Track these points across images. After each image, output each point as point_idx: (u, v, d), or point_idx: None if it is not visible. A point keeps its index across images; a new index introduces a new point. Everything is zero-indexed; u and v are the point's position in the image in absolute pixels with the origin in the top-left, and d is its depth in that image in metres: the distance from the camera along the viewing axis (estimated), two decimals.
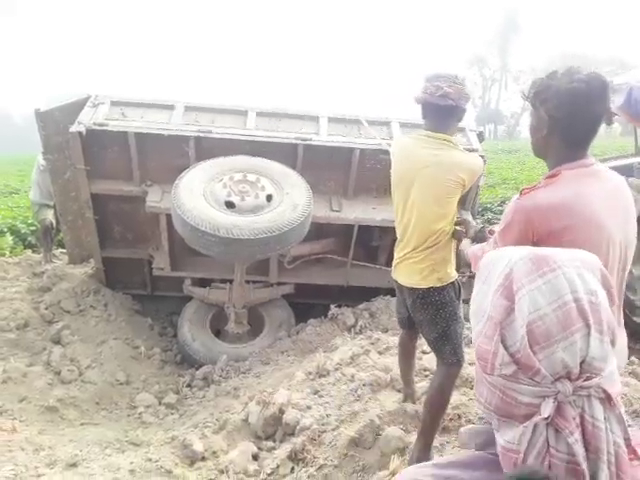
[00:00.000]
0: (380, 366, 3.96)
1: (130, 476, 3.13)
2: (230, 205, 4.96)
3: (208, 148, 5.50)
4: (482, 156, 5.67)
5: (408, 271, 2.89)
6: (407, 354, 3.38)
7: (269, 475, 3.19)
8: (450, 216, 2.82)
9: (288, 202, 5.04)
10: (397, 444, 3.01)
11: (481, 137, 5.89)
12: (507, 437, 0.82)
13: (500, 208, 8.82)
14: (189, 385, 4.96)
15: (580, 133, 1.80)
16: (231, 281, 5.58)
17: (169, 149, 5.52)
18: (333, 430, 3.31)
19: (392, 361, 3.99)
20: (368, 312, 5.46)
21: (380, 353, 4.32)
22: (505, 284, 0.82)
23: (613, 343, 0.80)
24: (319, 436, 3.29)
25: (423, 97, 2.76)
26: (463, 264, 2.56)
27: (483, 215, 8.29)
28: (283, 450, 3.31)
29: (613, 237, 1.75)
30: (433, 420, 2.83)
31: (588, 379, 0.77)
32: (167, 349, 5.70)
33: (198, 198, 4.95)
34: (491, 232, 2.47)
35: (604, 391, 0.77)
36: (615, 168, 5.82)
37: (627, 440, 0.78)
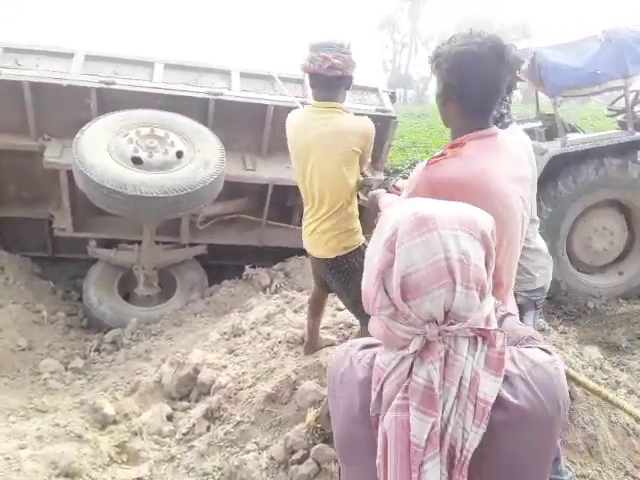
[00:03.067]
0: (296, 324, 3.98)
1: (37, 442, 2.98)
2: (137, 161, 4.72)
3: (112, 101, 5.18)
4: (394, 117, 5.79)
5: (314, 242, 2.94)
6: (317, 311, 3.40)
7: (185, 435, 3.16)
8: (350, 184, 2.82)
9: (200, 159, 4.87)
10: (313, 397, 3.05)
11: (393, 98, 5.96)
12: (383, 357, 0.97)
13: (410, 170, 9.03)
14: (97, 349, 4.78)
15: (476, 99, 1.71)
16: (139, 242, 5.36)
17: (68, 101, 5.15)
18: (249, 387, 3.31)
19: None
20: (283, 272, 5.47)
21: (295, 312, 4.34)
22: (391, 238, 0.92)
23: (482, 296, 0.92)
24: (235, 394, 3.28)
25: (310, 67, 2.72)
26: (372, 214, 2.57)
27: (394, 177, 8.49)
28: (199, 409, 3.28)
29: (516, 212, 1.74)
30: None
31: (452, 324, 0.89)
32: (72, 313, 5.42)
33: (102, 153, 4.66)
34: (395, 187, 2.54)
35: (474, 330, 0.90)
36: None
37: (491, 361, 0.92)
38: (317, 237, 2.90)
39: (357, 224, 2.94)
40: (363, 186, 2.86)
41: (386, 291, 0.92)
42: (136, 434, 3.20)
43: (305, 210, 2.97)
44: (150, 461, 3.01)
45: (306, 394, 3.07)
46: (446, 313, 0.90)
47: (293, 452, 2.81)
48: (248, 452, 2.90)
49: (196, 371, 3.52)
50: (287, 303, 4.49)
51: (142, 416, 3.32)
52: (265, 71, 5.79)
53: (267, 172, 5.53)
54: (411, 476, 0.88)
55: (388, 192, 2.66)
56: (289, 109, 5.44)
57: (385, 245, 0.93)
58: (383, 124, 5.64)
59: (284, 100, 5.50)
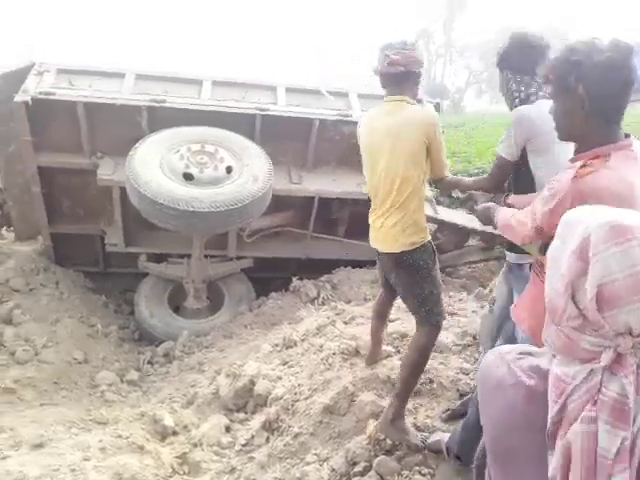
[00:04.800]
0: (347, 335, 3.97)
1: (101, 454, 3.05)
2: (188, 177, 4.83)
3: (162, 119, 5.31)
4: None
5: (382, 237, 2.94)
6: (381, 314, 3.39)
7: (244, 446, 3.18)
8: (418, 176, 2.83)
9: (248, 174, 4.94)
10: (372, 409, 3.04)
11: (437, 108, 5.94)
12: (564, 369, 0.92)
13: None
14: (150, 362, 4.86)
15: (621, 107, 1.70)
16: (188, 256, 5.46)
17: (120, 120, 5.29)
18: (306, 399, 3.31)
19: (359, 330, 4.01)
20: (330, 284, 5.47)
21: (346, 323, 4.34)
22: (582, 246, 0.89)
23: None
24: (292, 405, 3.29)
25: (377, 68, 2.87)
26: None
27: (437, 188, 8.43)
28: (257, 421, 3.30)
29: None
30: (410, 381, 2.88)
31: None
32: (124, 327, 5.53)
33: (155, 170, 4.79)
34: (507, 203, 2.42)
35: None
36: None
37: None
38: (385, 231, 2.90)
39: (424, 220, 2.94)
40: (468, 200, 2.92)
41: (574, 301, 0.90)
42: (196, 445, 3.24)
43: (372, 208, 3.00)
44: (211, 472, 3.04)
45: (365, 405, 3.07)
46: None
47: (354, 464, 2.80)
48: (308, 464, 2.90)
49: (252, 382, 3.55)
50: (337, 315, 4.49)
51: (201, 427, 3.37)
52: (311, 85, 5.86)
53: (312, 185, 5.57)
54: None
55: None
56: (335, 122, 5.56)
57: (575, 254, 0.89)
58: None
59: (330, 114, 5.55)
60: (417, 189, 2.85)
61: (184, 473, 3.09)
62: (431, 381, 3.30)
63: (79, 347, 4.76)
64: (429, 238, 2.94)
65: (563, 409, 0.91)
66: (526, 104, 2.60)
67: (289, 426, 3.16)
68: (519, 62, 2.63)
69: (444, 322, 4.01)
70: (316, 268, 5.81)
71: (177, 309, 5.57)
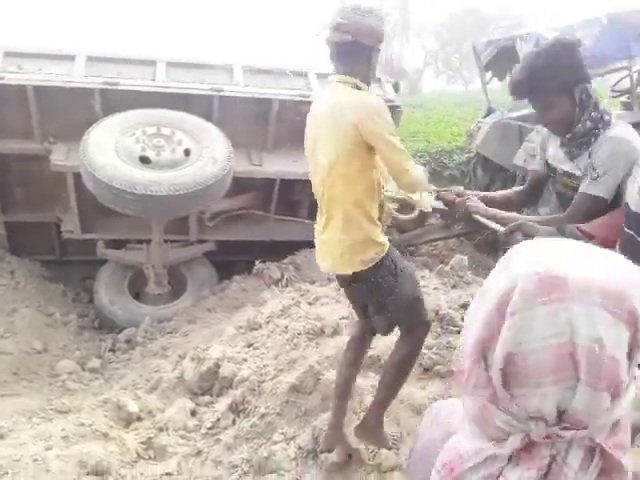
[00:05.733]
0: (312, 315, 3.98)
1: (63, 442, 2.99)
2: (145, 160, 4.73)
3: (115, 101, 5.16)
4: (398, 106, 5.80)
5: (325, 251, 2.47)
6: (355, 357, 2.72)
7: (210, 429, 3.17)
8: (367, 177, 2.34)
9: (207, 156, 4.87)
10: None
11: (396, 87, 5.97)
12: (465, 446, 0.76)
13: (417, 160, 9.04)
14: (112, 349, 4.78)
15: None
16: (148, 241, 5.36)
17: (72, 103, 5.12)
18: (272, 379, 3.32)
19: (324, 310, 4.04)
20: (293, 265, 5.47)
21: (310, 303, 4.35)
22: (503, 299, 0.69)
23: (615, 397, 0.67)
24: (258, 386, 3.29)
25: (324, 34, 2.33)
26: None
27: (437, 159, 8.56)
28: (223, 403, 3.29)
29: None
30: (395, 389, 2.58)
31: (567, 429, 0.67)
32: (83, 315, 5.41)
33: (110, 154, 4.67)
34: (584, 231, 2.04)
35: (594, 442, 0.68)
36: (524, 117, 6.07)
37: None
38: (330, 247, 2.42)
39: (377, 232, 2.41)
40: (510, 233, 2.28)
41: (486, 366, 0.71)
42: (161, 430, 3.21)
43: (319, 210, 2.52)
44: (178, 456, 3.02)
45: (330, 384, 3.08)
46: (561, 413, 0.68)
47: (320, 440, 2.82)
48: (275, 443, 2.91)
49: (217, 365, 3.53)
50: (301, 296, 4.50)
51: (166, 412, 3.33)
52: (269, 65, 5.78)
53: (273, 166, 5.52)
54: None
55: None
56: (294, 102, 5.51)
57: (495, 305, 0.70)
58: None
59: (289, 94, 5.50)
60: (363, 194, 2.33)
61: (150, 458, 3.06)
62: None
63: (38, 337, 4.64)
64: (386, 250, 2.41)
65: None
66: (601, 125, 2.09)
67: (255, 407, 3.16)
68: (583, 67, 2.11)
69: None
70: (279, 250, 5.79)
71: (138, 295, 5.48)
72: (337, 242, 2.38)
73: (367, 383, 3.14)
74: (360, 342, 2.73)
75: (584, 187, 2.13)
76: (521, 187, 2.72)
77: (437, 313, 3.71)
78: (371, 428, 2.58)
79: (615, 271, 0.69)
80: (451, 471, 0.74)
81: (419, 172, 2.38)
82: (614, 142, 2.05)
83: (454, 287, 4.69)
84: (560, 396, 0.66)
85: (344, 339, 3.55)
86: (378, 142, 2.26)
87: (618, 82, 6.61)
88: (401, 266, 2.48)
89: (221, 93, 5.38)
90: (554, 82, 2.07)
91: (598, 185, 2.07)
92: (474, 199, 2.49)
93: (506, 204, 2.55)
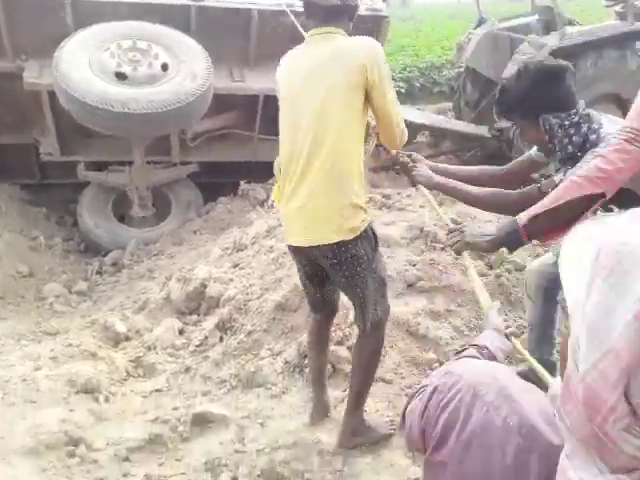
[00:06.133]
0: None
1: (52, 362, 3.02)
2: (121, 76, 4.54)
3: (88, 14, 4.88)
4: (386, 17, 5.54)
5: (303, 223, 2.18)
6: (321, 344, 2.58)
7: (198, 346, 3.21)
8: (358, 130, 2.18)
9: (186, 71, 4.67)
10: None
11: None
12: (584, 476, 0.65)
13: (401, 75, 8.77)
14: (99, 272, 4.77)
15: None
16: (130, 163, 5.23)
17: (43, 16, 4.85)
18: (258, 298, 3.34)
19: None
20: None
21: None
22: None
23: None
24: (245, 305, 3.32)
25: None
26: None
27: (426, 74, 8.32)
28: (210, 322, 3.33)
29: None
30: (365, 387, 2.45)
31: None
32: (68, 238, 5.38)
33: (84, 70, 4.46)
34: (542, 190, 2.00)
35: None
36: (515, 27, 5.86)
37: None
38: (310, 214, 2.14)
39: (365, 195, 2.24)
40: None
41: (627, 395, 0.59)
42: (150, 349, 3.25)
43: (285, 183, 2.24)
44: (166, 373, 3.08)
45: None
46: None
47: (306, 355, 2.87)
48: (262, 358, 2.97)
49: (203, 285, 3.54)
50: None
51: (154, 331, 3.37)
52: None
53: (256, 83, 5.31)
54: None
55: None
56: (275, 14, 5.23)
57: (636, 325, 0.56)
58: (375, 25, 5.41)
59: (269, 4, 5.22)
60: (357, 148, 2.17)
61: (139, 376, 3.12)
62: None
63: (22, 261, 4.62)
64: (370, 219, 2.26)
65: None
66: (587, 147, 1.98)
67: (242, 325, 3.19)
68: (554, 97, 2.01)
69: (393, 217, 4.05)
70: (265, 171, 5.68)
71: (122, 218, 5.42)
72: (324, 204, 2.12)
73: None
74: (322, 329, 2.57)
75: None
76: (495, 167, 2.49)
77: (422, 230, 3.70)
78: (352, 433, 2.44)
79: None
80: None
81: (406, 132, 2.29)
82: None
83: (440, 204, 4.66)
84: None
85: None
86: (382, 87, 2.12)
87: None
88: (377, 240, 2.33)
89: (199, 3, 5.09)
90: (520, 107, 2.05)
91: None
92: (422, 169, 2.32)
93: (469, 182, 2.32)
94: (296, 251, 2.31)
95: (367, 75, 2.09)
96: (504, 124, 5.69)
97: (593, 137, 1.99)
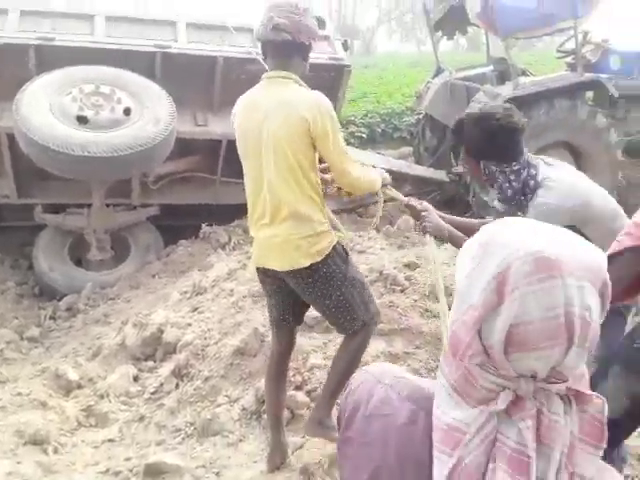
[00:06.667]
0: None
1: (1, 413, 2.90)
2: (83, 120, 4.53)
3: (51, 58, 4.90)
4: (347, 65, 5.71)
5: (276, 250, 2.36)
6: (279, 381, 2.59)
7: (153, 394, 3.13)
8: (310, 171, 2.35)
9: (149, 116, 4.69)
10: None
11: (345, 46, 5.85)
12: (455, 415, 0.79)
13: (363, 121, 8.97)
14: (52, 317, 4.64)
15: None
16: (88, 205, 5.17)
17: (5, 60, 4.84)
18: (216, 343, 3.29)
19: None
20: (241, 228, 5.39)
21: None
22: (499, 279, 0.75)
23: (591, 351, 0.77)
24: (202, 350, 3.26)
25: (259, 32, 2.34)
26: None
27: (347, 128, 8.41)
28: (166, 368, 3.26)
29: None
30: (342, 385, 2.43)
31: (553, 382, 0.75)
32: (22, 282, 5.24)
33: (45, 114, 4.45)
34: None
35: (570, 389, 0.76)
36: (471, 77, 6.10)
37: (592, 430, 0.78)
38: (281, 243, 2.33)
39: (326, 222, 2.43)
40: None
41: (481, 338, 0.77)
42: (102, 397, 3.16)
43: (254, 216, 2.42)
44: (119, 422, 2.98)
45: None
46: (549, 371, 0.76)
47: (264, 401, 2.82)
48: (219, 405, 2.91)
49: (160, 331, 3.47)
50: (248, 258, 4.43)
51: (107, 379, 3.27)
52: (214, 21, 5.57)
53: (219, 127, 5.36)
54: None
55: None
56: (241, 60, 5.34)
57: (491, 286, 0.75)
58: (337, 73, 5.57)
59: (235, 51, 5.33)
60: (314, 188, 2.36)
61: (91, 425, 3.01)
62: None
63: None
64: (334, 236, 2.44)
65: (458, 464, 0.76)
66: (527, 191, 2.15)
67: (199, 371, 3.13)
68: (501, 151, 2.15)
69: (353, 259, 4.08)
70: (227, 213, 5.69)
71: (79, 262, 5.31)
72: (289, 238, 2.32)
73: (310, 343, 3.15)
74: (281, 360, 2.61)
75: None
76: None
77: (381, 273, 3.73)
78: (318, 422, 2.50)
79: (584, 246, 0.79)
80: (455, 445, 0.77)
81: (365, 175, 2.43)
82: (537, 212, 2.08)
83: (400, 247, 4.74)
84: (555, 358, 0.74)
85: None
86: (326, 140, 2.27)
87: (564, 43, 6.67)
88: (348, 251, 2.54)
89: (164, 50, 5.16)
90: (467, 146, 2.23)
91: None
92: (432, 217, 2.37)
93: (471, 233, 2.43)
94: (267, 273, 2.46)
95: (310, 128, 2.24)
96: (461, 169, 5.87)
97: (532, 183, 2.14)
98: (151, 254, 5.32)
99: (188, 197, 5.69)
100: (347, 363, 2.48)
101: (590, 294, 0.75)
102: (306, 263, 2.33)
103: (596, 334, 0.76)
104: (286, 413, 2.73)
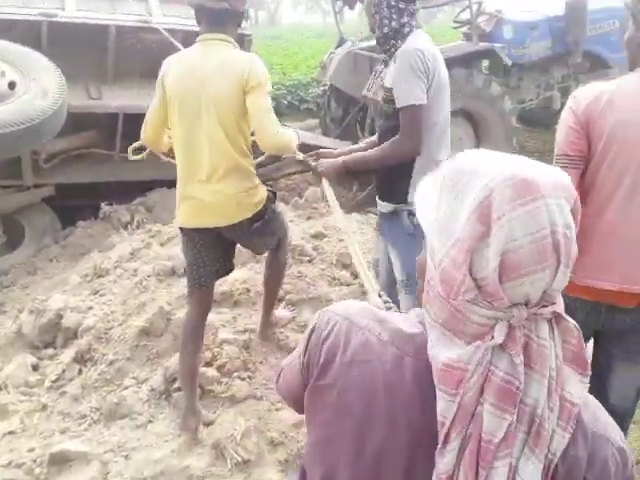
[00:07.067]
0: (164, 256, 3.84)
1: None
2: None
3: None
4: (248, 35, 5.57)
5: (220, 207, 2.49)
6: (197, 340, 2.68)
7: (54, 382, 2.98)
8: (245, 128, 2.49)
9: (36, 89, 4.37)
10: None
11: (246, 15, 5.70)
12: (450, 354, 0.78)
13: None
14: None
15: None
16: None
17: None
18: (120, 325, 3.18)
19: (176, 250, 3.89)
20: (144, 207, 5.20)
21: (162, 244, 4.19)
22: (482, 208, 0.74)
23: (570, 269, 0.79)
24: (105, 333, 3.14)
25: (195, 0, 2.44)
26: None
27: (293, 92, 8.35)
28: (67, 354, 3.11)
29: None
30: (279, 289, 3.11)
31: (543, 306, 0.77)
32: None
33: None
34: None
35: (555, 312, 0.78)
36: (374, 47, 6.08)
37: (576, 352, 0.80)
38: (224, 199, 2.47)
39: (257, 178, 2.61)
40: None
41: (471, 272, 0.76)
42: (0, 389, 2.98)
43: (191, 175, 2.49)
44: (20, 413, 2.82)
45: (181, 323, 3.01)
46: (541, 295, 0.77)
47: (174, 380, 2.78)
48: (126, 388, 2.83)
49: (59, 316, 3.30)
50: (152, 237, 4.32)
51: (4, 370, 3.09)
52: None
53: (115, 100, 5.09)
54: (478, 474, 0.76)
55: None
56: (134, 29, 5.08)
57: (474, 216, 0.74)
58: (238, 42, 5.42)
59: (128, 19, 5.06)
60: (248, 143, 2.53)
61: None
62: (248, 290, 3.35)
63: None
64: (264, 187, 2.66)
65: (462, 402, 0.77)
66: (399, 36, 2.30)
67: (103, 355, 3.02)
68: None
69: None
70: (128, 191, 5.46)
71: None
72: (231, 193, 2.47)
73: (219, 318, 3.12)
74: (201, 321, 2.70)
75: (397, 103, 2.27)
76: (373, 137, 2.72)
77: (289, 244, 3.73)
78: (270, 324, 3.08)
79: (547, 167, 0.80)
80: (458, 384, 0.76)
81: (285, 132, 2.50)
82: (403, 55, 2.25)
83: (309, 218, 4.76)
84: (546, 280, 0.75)
85: None
86: (256, 92, 2.36)
87: (459, 13, 6.87)
88: (275, 192, 2.84)
89: (50, 19, 4.81)
90: None
91: (408, 95, 2.22)
92: (323, 161, 2.53)
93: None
94: (198, 231, 2.56)
95: (245, 81, 2.36)
96: (367, 139, 5.94)
97: (406, 30, 2.30)
98: (47, 237, 5.01)
99: (85, 175, 5.37)
100: (279, 276, 2.96)
101: (568, 212, 0.77)
102: (249, 215, 2.53)
103: (575, 252, 0.77)
104: (197, 390, 2.70)
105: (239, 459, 2.42)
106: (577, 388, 0.79)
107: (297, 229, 4.12)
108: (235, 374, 2.81)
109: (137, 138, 5.47)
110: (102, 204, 5.18)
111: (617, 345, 1.88)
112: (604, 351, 1.91)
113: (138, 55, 5.10)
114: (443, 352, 0.79)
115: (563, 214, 0.75)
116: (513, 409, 0.75)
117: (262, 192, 2.61)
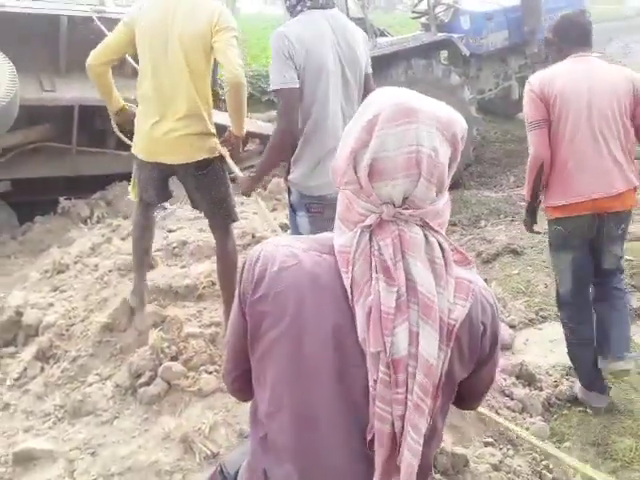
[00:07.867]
0: (125, 251, 3.76)
1: None
2: None
3: None
4: None
5: (172, 146, 2.66)
6: (148, 227, 3.04)
7: (16, 380, 2.93)
8: (207, 73, 2.68)
9: None
10: (154, 319, 2.99)
11: None
12: (341, 241, 1.00)
13: None
14: None
15: None
16: None
17: None
18: (82, 321, 3.14)
19: None
20: (104, 201, 5.11)
21: (123, 239, 4.12)
22: (371, 121, 0.96)
23: (440, 191, 0.99)
24: (67, 330, 3.10)
25: None
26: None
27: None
28: (28, 352, 3.05)
29: None
30: (234, 284, 2.85)
31: (407, 209, 0.96)
32: None
33: None
34: None
35: (422, 219, 0.97)
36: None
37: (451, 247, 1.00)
38: (178, 139, 2.64)
39: (212, 126, 2.75)
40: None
41: (355, 169, 0.98)
42: None
43: (152, 111, 2.66)
44: None
45: (146, 317, 2.99)
46: (404, 199, 0.96)
47: (139, 375, 2.74)
48: (90, 384, 2.79)
49: (18, 314, 3.23)
50: (113, 232, 4.25)
51: None
52: None
53: (69, 92, 4.98)
54: (384, 340, 0.93)
55: None
56: (86, 20, 4.95)
57: (363, 126, 0.97)
58: None
59: (80, 9, 4.94)
60: (208, 89, 2.71)
61: None
62: (213, 284, 3.33)
63: None
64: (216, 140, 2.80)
65: (354, 278, 0.97)
66: (293, 14, 2.43)
67: (65, 351, 2.97)
68: None
69: None
70: (87, 186, 5.35)
71: None
72: (185, 132, 2.63)
73: (184, 312, 3.09)
74: (147, 220, 3.01)
75: (270, 87, 2.44)
76: None
77: (254, 236, 3.74)
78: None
79: (444, 107, 1.00)
80: (347, 263, 0.97)
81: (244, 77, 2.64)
82: (272, 39, 2.38)
83: (273, 210, 4.76)
84: (407, 186, 0.95)
85: (160, 270, 3.46)
86: (227, 33, 2.51)
87: (418, 3, 6.92)
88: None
89: None
90: None
91: (277, 78, 2.34)
92: (240, 182, 2.78)
93: None
94: (155, 165, 2.74)
95: (213, 23, 2.51)
96: None
97: (298, 9, 2.39)
98: (4, 234, 4.89)
99: (42, 170, 5.24)
100: (232, 262, 2.89)
101: (437, 139, 0.96)
102: (199, 157, 2.67)
103: (442, 174, 0.97)
104: (164, 385, 2.68)
105: (208, 452, 2.42)
106: (466, 273, 1.01)
107: (261, 221, 4.11)
108: (202, 368, 2.79)
109: (95, 131, 5.41)
110: (60, 199, 5.06)
111: (606, 236, 2.76)
112: (598, 242, 2.79)
113: (91, 46, 4.96)
114: (338, 241, 1.01)
115: (431, 138, 0.95)
116: (394, 281, 0.93)
117: (215, 142, 2.73)
